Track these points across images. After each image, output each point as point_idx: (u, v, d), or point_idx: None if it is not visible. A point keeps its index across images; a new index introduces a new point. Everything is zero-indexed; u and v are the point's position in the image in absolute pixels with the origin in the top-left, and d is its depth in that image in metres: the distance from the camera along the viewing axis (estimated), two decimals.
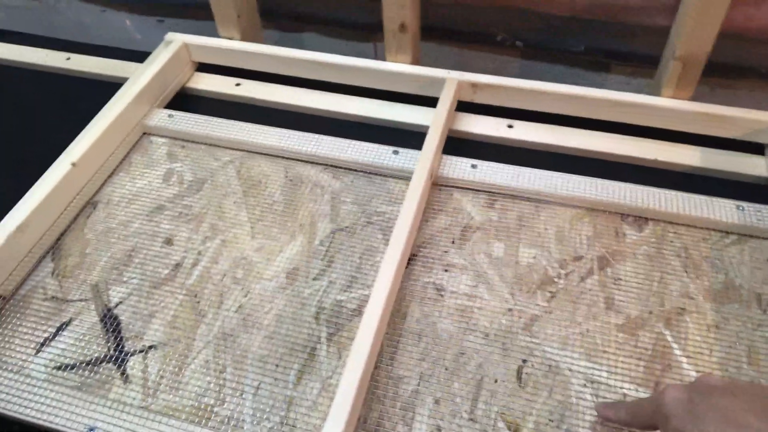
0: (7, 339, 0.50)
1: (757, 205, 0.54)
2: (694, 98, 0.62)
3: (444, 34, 0.76)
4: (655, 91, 0.63)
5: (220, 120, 0.65)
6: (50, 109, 0.72)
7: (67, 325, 0.51)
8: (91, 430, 0.43)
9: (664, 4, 0.63)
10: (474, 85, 0.64)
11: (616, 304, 0.50)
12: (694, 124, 0.61)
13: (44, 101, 0.73)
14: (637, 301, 0.50)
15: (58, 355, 0.49)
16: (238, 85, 0.71)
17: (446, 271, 0.53)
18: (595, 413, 0.43)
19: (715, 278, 0.51)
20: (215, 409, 0.45)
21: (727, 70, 0.68)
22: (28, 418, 0.44)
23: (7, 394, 0.46)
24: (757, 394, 0.34)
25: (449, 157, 0.60)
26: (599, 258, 0.53)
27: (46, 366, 0.48)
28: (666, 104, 0.61)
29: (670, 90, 0.62)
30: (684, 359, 0.46)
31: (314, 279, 0.53)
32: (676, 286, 0.51)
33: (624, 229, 0.55)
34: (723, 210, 0.54)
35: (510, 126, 0.64)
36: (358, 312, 0.50)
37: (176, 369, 0.47)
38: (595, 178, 0.57)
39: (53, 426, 0.44)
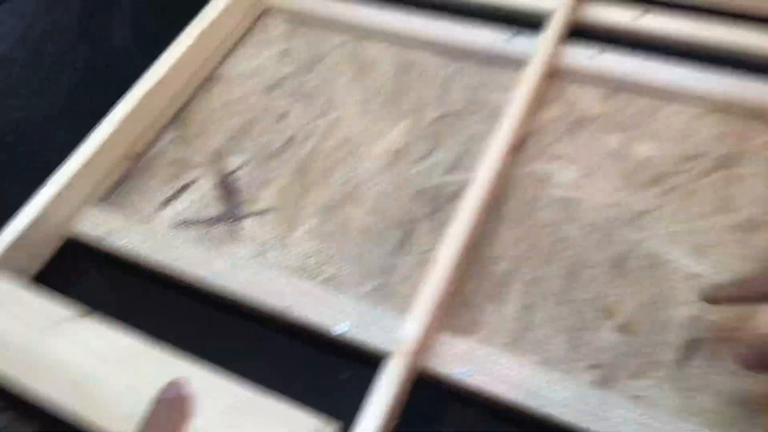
0: (135, 195, 0.55)
1: None
2: None
3: None
4: None
5: (335, 2, 0.65)
6: None
7: (188, 186, 0.55)
8: (208, 276, 0.48)
9: None
10: None
11: (736, 203, 0.47)
12: None
13: None
14: (759, 203, 0.46)
15: (183, 210, 0.53)
16: None
17: (555, 160, 0.52)
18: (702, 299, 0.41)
19: None
20: (321, 269, 0.48)
21: None
22: (156, 263, 0.49)
23: (139, 242, 0.51)
24: None
25: (571, 44, 0.57)
26: (721, 157, 0.49)
27: (170, 220, 0.53)
28: None
29: None
30: None
31: (420, 159, 0.53)
32: None
33: (753, 129, 0.50)
34: None
35: (644, 14, 0.59)
36: (460, 194, 0.51)
37: (287, 232, 0.51)
38: (728, 76, 0.52)
39: (176, 271, 0.48)
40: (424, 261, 0.48)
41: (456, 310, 0.45)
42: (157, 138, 0.59)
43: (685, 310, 0.43)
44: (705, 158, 0.50)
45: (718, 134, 0.51)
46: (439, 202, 0.51)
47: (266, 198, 0.53)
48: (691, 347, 0.41)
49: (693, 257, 0.45)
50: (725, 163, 0.49)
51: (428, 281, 0.43)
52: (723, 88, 0.52)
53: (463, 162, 0.53)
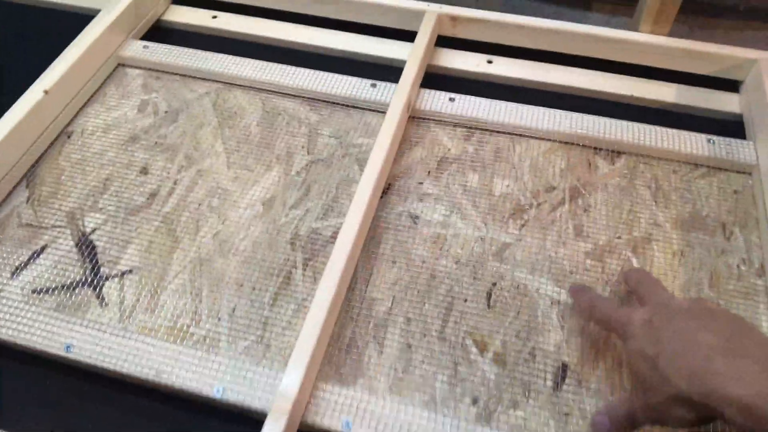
0: None
1: (728, 139, 0.55)
2: (673, 37, 0.62)
3: None
4: (634, 27, 0.63)
5: (196, 51, 0.64)
6: (22, 41, 0.70)
7: (42, 251, 0.51)
8: (68, 347, 0.44)
9: None
10: (454, 19, 0.64)
11: (586, 231, 0.51)
12: (671, 59, 0.61)
13: (16, 34, 0.71)
14: (606, 229, 0.51)
15: (35, 278, 0.49)
16: (214, 17, 0.70)
17: (421, 200, 0.53)
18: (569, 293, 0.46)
19: (683, 208, 0.52)
20: (192, 329, 0.46)
21: (706, 9, 0.68)
22: (6, 338, 0.45)
23: None
24: (718, 314, 0.36)
25: (427, 90, 0.60)
26: (571, 188, 0.54)
27: (23, 288, 0.48)
28: (643, 39, 0.61)
29: (648, 25, 0.62)
30: None
31: (291, 208, 0.53)
32: (645, 215, 0.52)
33: (597, 161, 0.56)
34: (694, 143, 0.55)
35: (489, 61, 0.64)
36: (334, 239, 0.51)
37: (152, 292, 0.48)
38: (570, 112, 0.58)
39: (31, 344, 0.44)
40: (301, 310, 0.47)
41: (337, 357, 0.44)
42: (4, 200, 0.54)
43: (552, 336, 0.45)
44: (557, 190, 0.54)
45: (566, 167, 0.55)
46: (313, 249, 0.50)
47: (129, 258, 0.50)
48: (563, 372, 0.43)
49: (554, 285, 0.48)
50: (575, 193, 0.53)
51: (305, 330, 0.42)
52: (567, 125, 0.57)
53: (334, 208, 0.53)
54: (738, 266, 0.49)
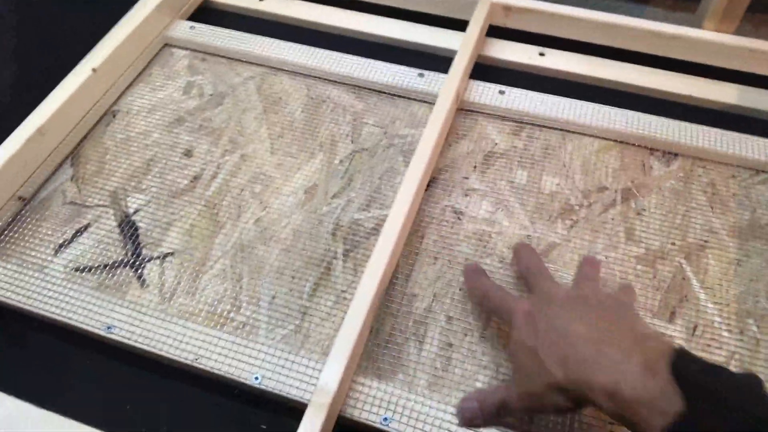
0: (27, 239, 0.50)
1: None
2: (737, 34, 0.59)
3: None
4: (697, 24, 0.61)
5: (242, 34, 0.64)
6: (71, 18, 0.70)
7: (85, 229, 0.51)
8: (109, 328, 0.44)
9: None
10: (507, 8, 0.62)
11: (637, 235, 0.49)
12: (734, 59, 0.59)
13: (64, 10, 0.71)
14: (659, 234, 0.49)
15: (78, 256, 0.49)
16: (261, 0, 0.69)
17: (466, 195, 0.52)
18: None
19: (741, 215, 0.50)
20: (231, 315, 0.46)
21: None
22: (49, 314, 0.45)
23: (29, 290, 0.46)
24: (594, 304, 0.37)
25: (477, 82, 0.58)
26: (624, 190, 0.52)
27: (65, 266, 0.48)
28: (708, 37, 0.58)
29: (713, 23, 0.59)
30: (701, 292, 0.46)
31: (333, 197, 0.52)
32: (700, 221, 0.50)
33: (651, 162, 0.54)
34: (755, 147, 0.53)
35: (542, 54, 0.62)
36: (376, 231, 0.50)
37: (193, 276, 0.48)
38: (625, 110, 0.56)
39: (72, 322, 0.45)
40: (341, 302, 0.46)
41: (375, 352, 0.43)
42: (50, 177, 0.54)
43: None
44: (608, 191, 0.52)
45: (619, 167, 0.53)
46: (354, 240, 0.50)
47: (170, 240, 0.50)
48: None
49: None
50: (627, 195, 0.51)
51: (346, 324, 0.41)
52: (622, 123, 0.55)
53: (377, 199, 0.52)
54: None
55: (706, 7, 0.59)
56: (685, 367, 0.31)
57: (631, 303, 0.40)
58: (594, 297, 0.38)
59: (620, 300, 0.39)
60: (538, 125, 0.56)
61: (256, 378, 0.41)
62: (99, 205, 0.52)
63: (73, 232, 0.51)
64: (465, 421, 0.39)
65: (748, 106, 0.57)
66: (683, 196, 0.51)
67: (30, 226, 0.51)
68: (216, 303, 0.46)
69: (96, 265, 0.49)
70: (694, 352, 0.38)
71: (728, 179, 0.52)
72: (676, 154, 0.54)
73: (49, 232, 0.51)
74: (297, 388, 0.41)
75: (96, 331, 0.44)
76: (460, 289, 0.47)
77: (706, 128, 0.54)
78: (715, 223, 0.50)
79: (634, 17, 0.61)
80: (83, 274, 0.48)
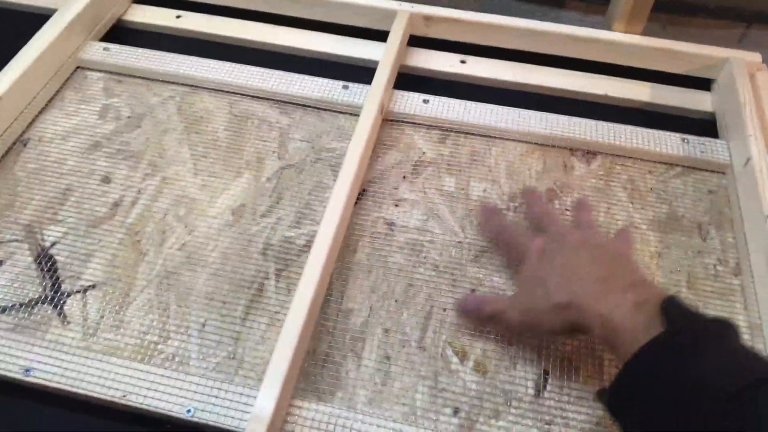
0: None
1: (702, 138, 0.55)
2: (646, 35, 0.62)
3: None
4: (608, 26, 0.63)
5: (159, 53, 0.61)
6: None
7: (0, 265, 0.48)
8: (27, 371, 0.42)
9: None
10: (427, 18, 0.63)
11: None
12: (644, 59, 0.61)
13: None
14: None
15: None
16: (178, 17, 0.67)
17: (397, 206, 0.52)
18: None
19: (660, 209, 0.52)
20: (160, 347, 0.44)
21: (678, 7, 0.68)
22: None
23: None
24: (602, 248, 0.42)
25: (401, 92, 0.59)
26: (548, 191, 0.53)
27: None
28: (617, 38, 0.61)
29: (621, 24, 0.61)
30: None
31: (261, 216, 0.51)
32: (622, 217, 0.51)
33: (573, 162, 0.55)
34: (669, 143, 0.55)
35: (463, 61, 0.63)
36: (307, 248, 0.49)
37: (117, 308, 0.46)
38: (545, 113, 0.57)
39: None
40: (275, 323, 0.45)
41: (313, 372, 0.43)
42: None
43: (532, 343, 0.44)
44: None
45: (542, 169, 0.55)
46: (287, 259, 0.49)
47: (92, 272, 0.48)
48: (543, 379, 0.43)
49: None
50: (552, 196, 0.53)
51: (279, 346, 0.40)
52: (543, 126, 0.56)
53: (307, 215, 0.51)
54: (714, 266, 0.49)
55: (614, 9, 0.61)
56: (673, 308, 0.35)
57: (632, 252, 0.47)
58: (601, 244, 0.43)
59: (623, 249, 0.45)
60: (463, 132, 0.57)
61: (189, 411, 0.40)
62: (12, 240, 0.49)
63: None
64: (460, 309, 0.45)
65: (660, 102, 0.60)
66: (605, 193, 0.53)
67: None
68: (143, 335, 0.44)
69: (11, 305, 0.46)
70: None
71: (646, 174, 0.54)
72: (595, 153, 0.56)
73: None
74: (232, 417, 0.39)
75: (13, 375, 0.41)
76: (395, 300, 0.46)
77: (622, 126, 0.56)
78: (635, 217, 0.51)
79: (551, 21, 0.63)
80: (0, 314, 0.45)
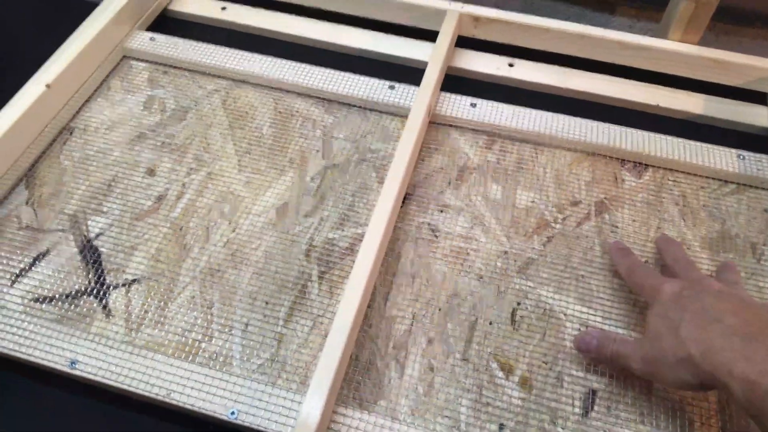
0: None
1: (758, 155, 0.54)
2: (698, 44, 0.60)
3: None
4: (661, 35, 0.61)
5: (205, 45, 0.61)
6: (21, 30, 0.67)
7: (44, 256, 0.48)
8: (73, 363, 0.42)
9: None
10: (476, 19, 0.61)
11: None
12: (698, 69, 0.59)
13: (14, 22, 0.67)
14: (634, 247, 0.49)
15: (36, 286, 0.46)
16: (223, 9, 0.66)
17: (442, 211, 0.51)
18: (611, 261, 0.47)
19: (712, 227, 0.51)
20: (203, 345, 0.44)
21: (733, 16, 0.66)
22: (6, 350, 0.42)
23: None
24: (747, 304, 0.37)
25: (448, 94, 0.58)
26: (597, 203, 0.52)
27: (23, 297, 0.46)
28: (672, 47, 0.59)
29: (678, 33, 0.59)
30: None
31: (305, 216, 0.51)
32: (673, 234, 0.50)
33: (623, 174, 0.54)
34: (723, 158, 0.53)
35: (511, 65, 0.61)
36: (351, 251, 0.49)
37: (161, 304, 0.46)
38: (596, 122, 0.56)
39: (32, 359, 0.42)
40: (317, 326, 0.45)
41: (356, 379, 0.42)
42: (3, 201, 0.51)
43: (579, 360, 0.43)
44: (582, 204, 0.52)
45: (592, 180, 0.53)
46: (329, 261, 0.48)
47: (135, 266, 0.48)
48: (591, 398, 0.42)
49: (581, 305, 0.46)
50: (600, 208, 0.52)
51: (325, 352, 0.40)
52: (593, 135, 0.55)
53: (351, 217, 0.51)
54: None
55: (671, 17, 0.59)
56: None
57: None
58: (747, 298, 0.39)
59: (763, 304, 0.41)
60: (510, 138, 0.56)
61: (233, 413, 0.40)
62: (57, 230, 0.50)
63: (31, 259, 0.48)
64: (577, 345, 0.43)
65: (714, 115, 0.58)
66: (655, 207, 0.52)
67: None
68: (186, 332, 0.44)
69: (57, 295, 0.46)
70: None
71: (698, 190, 0.53)
72: (646, 166, 0.54)
73: (4, 261, 0.48)
74: (276, 422, 0.39)
75: (59, 367, 0.42)
76: (439, 309, 0.46)
77: (676, 139, 0.55)
78: (687, 234, 0.50)
79: (601, 25, 0.61)
80: (43, 305, 0.45)
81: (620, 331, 0.45)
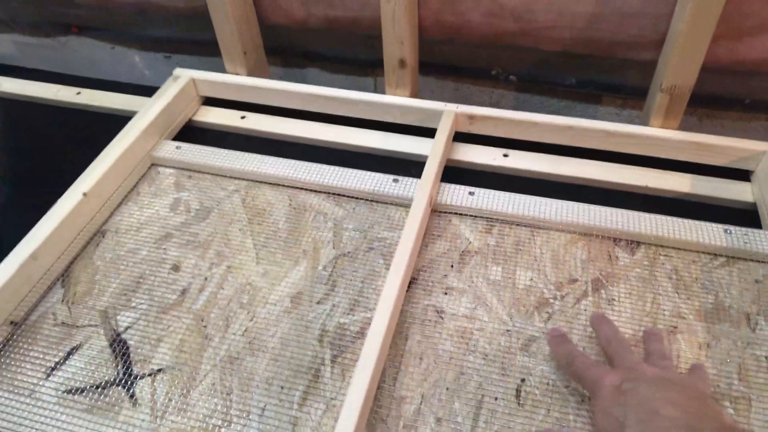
0: (18, 363, 0.51)
1: (744, 229, 0.56)
2: (683, 127, 0.64)
3: (442, 69, 0.80)
4: (645, 122, 0.66)
5: (226, 151, 0.67)
6: (62, 143, 0.74)
7: (76, 350, 0.52)
8: None
9: (651, 40, 0.66)
10: (471, 117, 0.67)
11: None
12: (683, 152, 0.64)
13: (56, 135, 0.75)
14: (631, 321, 0.51)
15: (68, 378, 0.50)
16: (243, 117, 0.74)
17: (446, 294, 0.54)
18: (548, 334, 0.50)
19: (706, 299, 0.53)
20: (222, 430, 0.46)
21: (713, 102, 0.71)
22: None
23: (20, 417, 0.47)
24: (682, 388, 0.40)
25: (447, 184, 0.62)
26: (593, 280, 0.55)
27: (56, 390, 0.49)
28: (654, 133, 0.64)
29: (658, 120, 0.64)
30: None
31: (318, 303, 0.54)
32: (668, 307, 0.52)
33: (617, 252, 0.57)
34: (712, 233, 0.56)
35: (506, 155, 0.66)
36: (361, 334, 0.52)
37: (184, 392, 0.49)
38: (588, 204, 0.59)
39: None
40: (330, 409, 0.47)
41: None
42: (41, 300, 0.56)
43: None
44: (579, 282, 0.55)
45: (587, 258, 0.56)
46: (341, 345, 0.51)
47: (161, 356, 0.51)
48: None
49: None
50: (596, 286, 0.54)
51: None
52: (585, 217, 0.58)
53: (360, 302, 0.54)
54: (766, 358, 0.49)
55: (650, 106, 0.64)
56: None
57: (710, 391, 0.44)
58: (681, 381, 0.41)
59: (702, 389, 0.43)
60: (508, 222, 0.60)
61: None
62: (89, 325, 0.54)
63: (64, 354, 0.51)
64: None
65: (701, 193, 0.61)
66: (650, 282, 0.54)
67: (21, 350, 0.52)
68: (207, 418, 0.47)
69: (87, 387, 0.49)
70: None
71: (690, 264, 0.55)
72: (639, 243, 0.57)
73: (40, 355, 0.51)
74: None
75: None
76: (447, 389, 0.48)
77: (664, 217, 0.58)
78: (682, 308, 0.52)
79: (589, 116, 0.66)
80: (75, 396, 0.49)
81: None
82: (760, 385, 0.47)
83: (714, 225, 0.57)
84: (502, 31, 0.71)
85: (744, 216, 0.59)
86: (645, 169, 0.64)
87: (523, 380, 0.48)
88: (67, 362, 0.51)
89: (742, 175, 0.63)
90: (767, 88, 0.68)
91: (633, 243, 0.57)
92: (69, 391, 0.49)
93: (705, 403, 0.39)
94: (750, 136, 0.63)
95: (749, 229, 0.56)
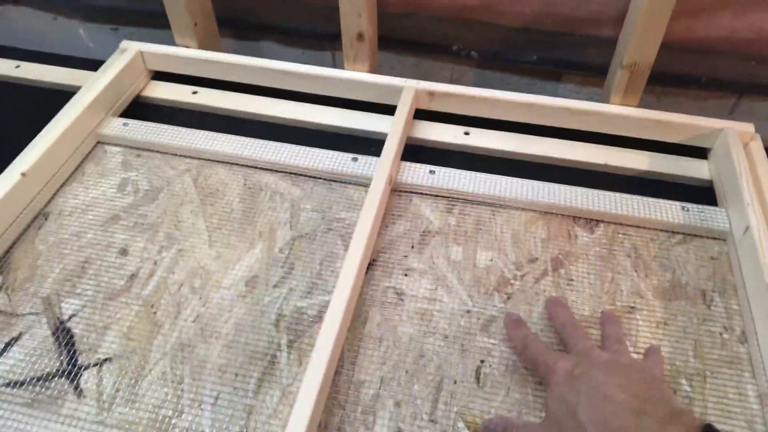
0: None
1: (701, 206, 0.57)
2: (642, 106, 0.64)
3: (402, 44, 0.78)
4: (605, 99, 0.66)
5: (176, 128, 0.64)
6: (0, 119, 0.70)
7: (16, 340, 0.49)
8: None
9: (611, 16, 0.65)
10: (431, 94, 0.66)
11: (570, 303, 0.51)
12: (642, 129, 0.64)
13: None
14: (590, 300, 0.51)
15: (7, 371, 0.47)
16: (194, 93, 0.70)
17: (406, 275, 0.53)
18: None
19: (663, 276, 0.53)
20: (173, 421, 0.44)
21: (672, 80, 0.71)
22: None
23: None
24: (633, 372, 0.40)
25: (408, 163, 0.61)
26: (553, 259, 0.54)
27: None
28: (614, 111, 0.63)
29: (618, 97, 0.64)
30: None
31: (274, 286, 0.52)
32: (627, 285, 0.52)
33: (576, 231, 0.57)
34: (669, 211, 0.56)
35: (467, 133, 0.65)
36: (319, 318, 0.50)
37: (132, 381, 0.46)
38: (548, 183, 0.59)
39: None
40: (287, 396, 0.46)
41: None
42: None
43: (544, 414, 0.45)
44: (539, 261, 0.54)
45: (547, 237, 0.56)
46: (298, 330, 0.50)
47: (108, 345, 0.49)
48: None
49: None
50: (556, 264, 0.54)
51: (292, 421, 0.41)
52: (545, 195, 0.58)
53: (319, 285, 0.53)
54: (720, 334, 0.49)
55: (611, 84, 0.64)
56: None
57: (662, 375, 0.45)
58: (632, 365, 0.41)
59: (655, 373, 0.43)
60: (469, 201, 0.59)
61: None
62: (31, 314, 0.51)
63: (3, 344, 0.49)
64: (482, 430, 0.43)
65: (659, 170, 0.62)
66: (609, 261, 0.54)
67: None
68: (157, 409, 0.45)
69: (28, 379, 0.47)
70: None
71: (648, 242, 0.56)
72: (598, 221, 0.57)
73: None
74: None
75: None
76: (406, 372, 0.47)
77: (624, 195, 0.58)
78: (640, 286, 0.52)
79: (549, 93, 0.65)
80: (14, 389, 0.46)
81: None
82: (714, 361, 0.48)
83: (672, 203, 0.57)
84: (464, 5, 0.69)
85: (701, 193, 0.60)
86: (604, 146, 0.64)
87: (482, 361, 0.48)
88: (6, 353, 0.48)
89: (701, 152, 0.64)
90: (723, 67, 0.68)
91: (592, 221, 0.57)
92: (8, 384, 0.46)
93: (655, 386, 0.39)
94: (707, 114, 0.63)
95: (705, 207, 0.57)
